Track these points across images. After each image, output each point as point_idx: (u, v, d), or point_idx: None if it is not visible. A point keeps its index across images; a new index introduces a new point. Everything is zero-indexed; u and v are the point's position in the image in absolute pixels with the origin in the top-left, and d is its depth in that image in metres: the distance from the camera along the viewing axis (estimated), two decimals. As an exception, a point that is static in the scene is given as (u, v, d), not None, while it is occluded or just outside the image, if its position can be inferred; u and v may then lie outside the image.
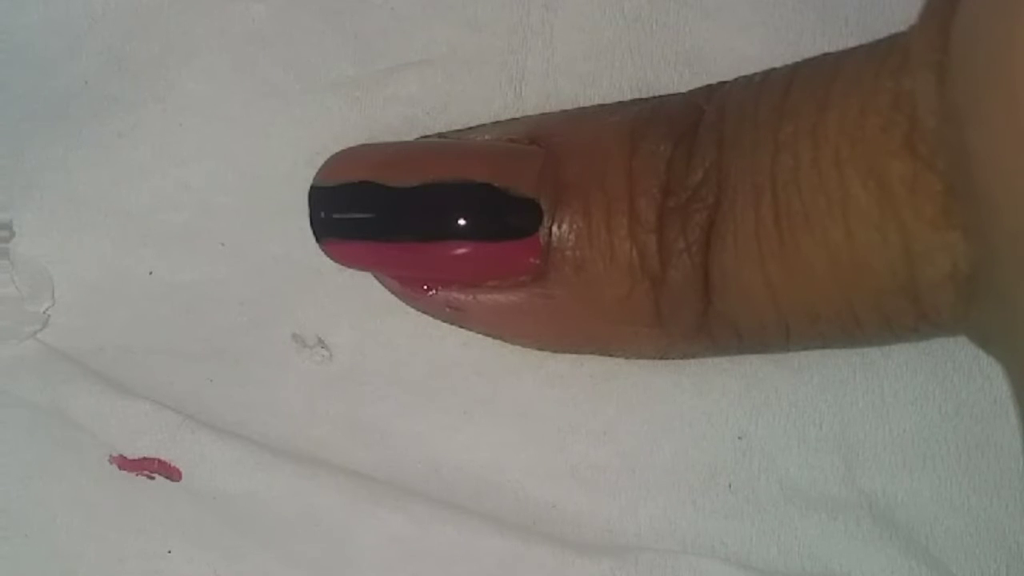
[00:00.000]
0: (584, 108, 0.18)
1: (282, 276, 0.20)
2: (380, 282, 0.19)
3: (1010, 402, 0.13)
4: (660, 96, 0.18)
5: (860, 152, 0.14)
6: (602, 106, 0.18)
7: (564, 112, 0.18)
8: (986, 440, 0.18)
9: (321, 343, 0.20)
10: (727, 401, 0.19)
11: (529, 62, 0.19)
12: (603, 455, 0.19)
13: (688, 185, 0.16)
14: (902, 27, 0.14)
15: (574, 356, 0.19)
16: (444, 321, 0.19)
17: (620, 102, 0.18)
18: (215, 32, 0.20)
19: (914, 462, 0.18)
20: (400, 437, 0.20)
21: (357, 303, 0.20)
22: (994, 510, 0.18)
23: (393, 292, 0.18)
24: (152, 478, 0.20)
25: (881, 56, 0.14)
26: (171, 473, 0.20)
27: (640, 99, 0.18)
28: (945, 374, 0.18)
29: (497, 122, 0.19)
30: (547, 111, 0.19)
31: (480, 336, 0.19)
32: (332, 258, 0.18)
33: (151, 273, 0.21)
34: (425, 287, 0.18)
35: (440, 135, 0.19)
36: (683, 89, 0.17)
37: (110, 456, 0.21)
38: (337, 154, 0.18)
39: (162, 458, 0.20)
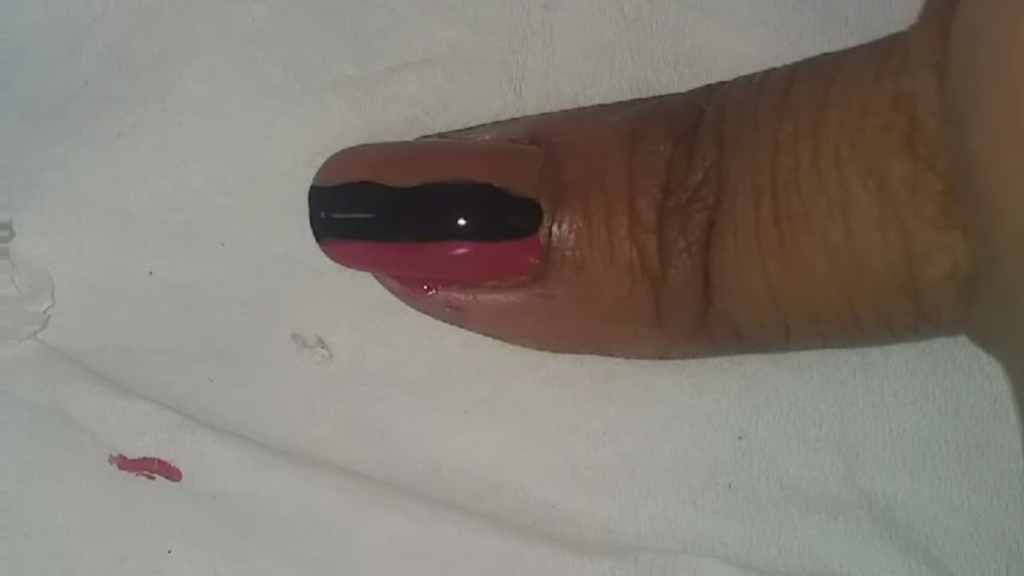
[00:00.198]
0: (584, 108, 0.18)
1: (282, 276, 0.20)
2: (380, 282, 0.19)
3: (1010, 402, 0.13)
4: (660, 96, 0.18)
5: (860, 152, 0.14)
6: (602, 106, 0.18)
7: (564, 112, 0.18)
8: (986, 440, 0.18)
9: (321, 343, 0.20)
10: (727, 401, 0.19)
11: (529, 62, 0.19)
12: (603, 455, 0.19)
13: (688, 185, 0.16)
14: (902, 27, 0.14)
15: (574, 356, 0.19)
16: (444, 321, 0.19)
17: (620, 102, 0.18)
18: (215, 32, 0.20)
19: (914, 462, 0.18)
20: (400, 437, 0.20)
21: (357, 303, 0.20)
22: (994, 510, 0.18)
23: (393, 292, 0.18)
24: (152, 478, 0.20)
25: (881, 56, 0.14)
26: (171, 473, 0.20)
27: (640, 99, 0.18)
28: (945, 374, 0.18)
29: (497, 122, 0.19)
30: (547, 111, 0.19)
31: (480, 336, 0.19)
32: (332, 258, 0.18)
33: (151, 273, 0.21)
34: (425, 287, 0.18)
35: (440, 135, 0.19)
36: (683, 89, 0.17)
37: (110, 456, 0.21)
38: (337, 154, 0.18)
39: (162, 458, 0.20)
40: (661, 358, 0.18)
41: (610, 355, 0.18)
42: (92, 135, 0.20)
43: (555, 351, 0.19)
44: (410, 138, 0.19)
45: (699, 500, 0.19)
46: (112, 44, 0.20)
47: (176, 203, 0.20)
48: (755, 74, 0.16)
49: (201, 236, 0.20)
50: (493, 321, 0.18)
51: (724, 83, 0.17)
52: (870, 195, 0.14)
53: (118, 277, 0.21)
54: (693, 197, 0.16)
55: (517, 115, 0.19)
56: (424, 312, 0.19)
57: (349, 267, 0.18)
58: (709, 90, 0.17)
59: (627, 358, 0.18)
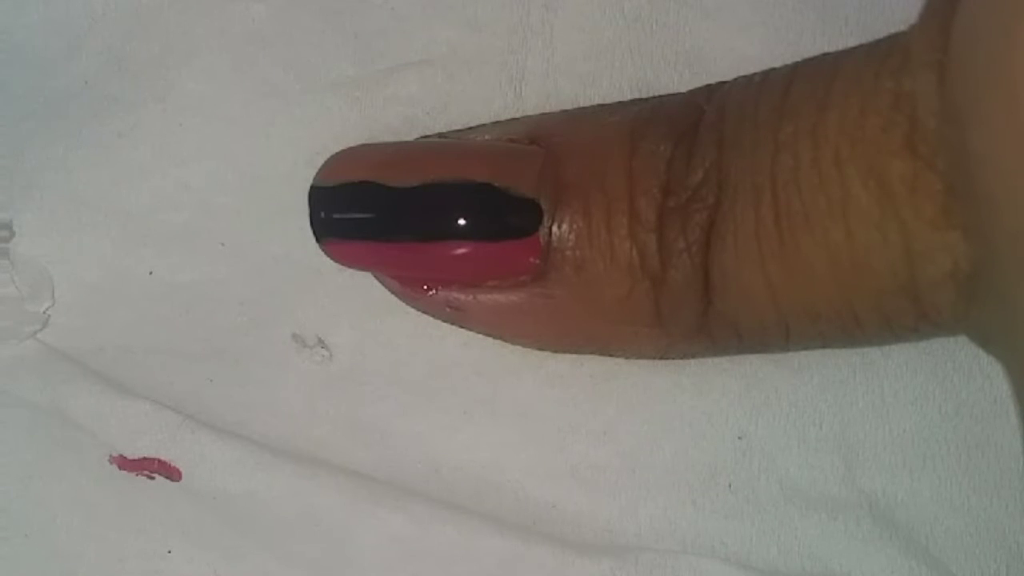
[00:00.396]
0: (584, 108, 0.18)
1: (282, 276, 0.20)
2: (380, 282, 0.19)
3: (1010, 402, 0.13)
4: (660, 96, 0.18)
5: (860, 152, 0.14)
6: (602, 106, 0.18)
7: (564, 112, 0.18)
8: (986, 440, 0.18)
9: (321, 343, 0.20)
10: (727, 401, 0.19)
11: (529, 62, 0.19)
12: (603, 455, 0.19)
13: (688, 185, 0.16)
14: (902, 27, 0.14)
15: (574, 356, 0.19)
16: (444, 321, 0.19)
17: (620, 102, 0.18)
18: (215, 32, 0.20)
19: (914, 462, 0.18)
20: (400, 437, 0.20)
21: (357, 303, 0.20)
22: (994, 510, 0.18)
23: (393, 292, 0.18)
24: (152, 478, 0.20)
25: (881, 56, 0.14)
26: (171, 473, 0.20)
27: (640, 99, 0.18)
28: (945, 374, 0.18)
29: (497, 122, 0.19)
30: (547, 111, 0.19)
31: (480, 336, 0.19)
32: (332, 258, 0.18)
33: (151, 273, 0.21)
34: (425, 287, 0.18)
35: (440, 135, 0.19)
36: (683, 89, 0.17)
37: (110, 456, 0.21)
38: (337, 154, 0.18)
39: (162, 458, 0.20)
40: (661, 358, 0.18)
41: (610, 355, 0.18)
42: (92, 135, 0.20)
43: (555, 351, 0.19)
44: (410, 138, 0.19)
45: (699, 500, 0.19)
46: (112, 44, 0.20)
47: (176, 203, 0.20)
48: (755, 74, 0.16)
49: (201, 236, 0.20)
50: (493, 321, 0.18)
51: (724, 83, 0.17)
52: (870, 195, 0.14)
53: (118, 277, 0.21)
54: (693, 197, 0.16)
55: (517, 115, 0.19)
56: (424, 312, 0.19)
57: (349, 267, 0.18)
58: (709, 90, 0.17)
59: (627, 358, 0.18)
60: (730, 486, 0.19)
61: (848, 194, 0.14)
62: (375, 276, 0.19)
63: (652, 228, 0.16)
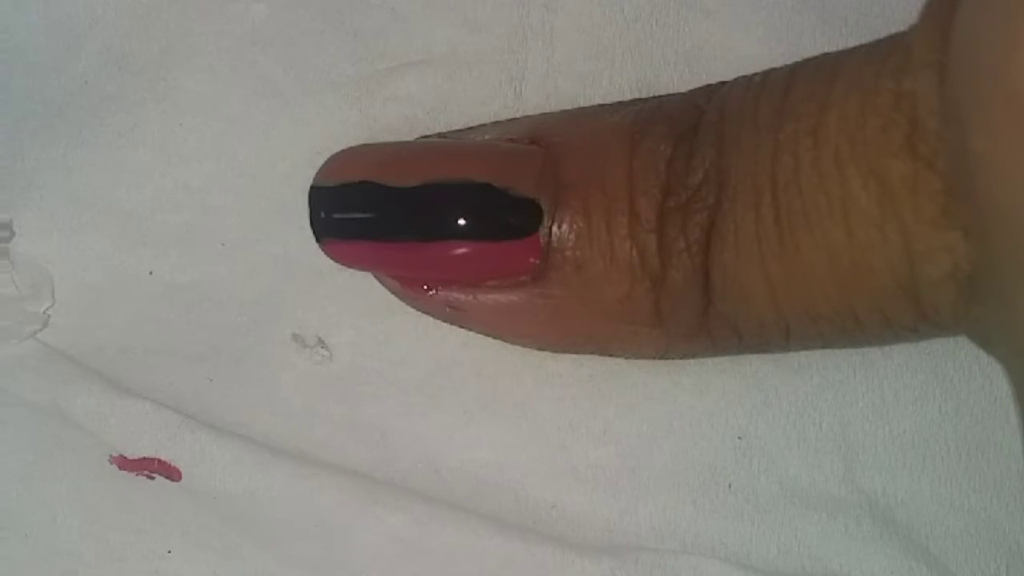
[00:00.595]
0: (584, 108, 0.18)
1: (282, 276, 0.20)
2: (380, 282, 0.19)
3: (1010, 402, 0.13)
4: (660, 96, 0.18)
5: (860, 152, 0.14)
6: (602, 106, 0.18)
7: (564, 112, 0.18)
8: (986, 440, 0.18)
9: (321, 343, 0.20)
10: (727, 401, 0.19)
11: (529, 62, 0.19)
12: (603, 455, 0.19)
13: (688, 185, 0.16)
14: (902, 27, 0.14)
15: (574, 356, 0.19)
16: (444, 321, 0.19)
17: (620, 102, 0.18)
18: (215, 32, 0.20)
19: (914, 462, 0.18)
20: (400, 437, 0.20)
21: (357, 303, 0.20)
22: (994, 510, 0.18)
23: (393, 292, 0.18)
24: (152, 478, 0.20)
25: (881, 56, 0.14)
26: (171, 473, 0.20)
27: (640, 99, 0.18)
28: (945, 374, 0.18)
29: (497, 122, 0.19)
30: (547, 111, 0.19)
31: (480, 336, 0.19)
32: (332, 258, 0.18)
33: (151, 273, 0.21)
34: (425, 287, 0.18)
35: (440, 135, 0.19)
36: (683, 89, 0.17)
37: (110, 456, 0.21)
38: (337, 154, 0.18)
39: (162, 458, 0.20)
40: (661, 358, 0.18)
41: (610, 355, 0.18)
42: (92, 135, 0.20)
43: (555, 351, 0.19)
44: (410, 138, 0.19)
45: (699, 500, 0.19)
46: (112, 44, 0.20)
47: (176, 203, 0.20)
48: (755, 74, 0.16)
49: (201, 236, 0.20)
50: (493, 321, 0.18)
51: (724, 83, 0.17)
52: (871, 195, 0.14)
53: (118, 277, 0.21)
54: (693, 197, 0.16)
55: (517, 115, 0.19)
56: (424, 312, 0.19)
57: (349, 267, 0.18)
58: (709, 90, 0.17)
59: (627, 358, 0.18)
60: (730, 486, 0.19)
61: (848, 194, 0.14)
62: (375, 276, 0.19)
63: (652, 228, 0.16)
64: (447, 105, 0.19)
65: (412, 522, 0.19)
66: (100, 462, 0.21)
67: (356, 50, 0.19)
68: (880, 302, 0.14)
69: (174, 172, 0.20)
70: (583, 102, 0.19)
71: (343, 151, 0.18)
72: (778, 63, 0.16)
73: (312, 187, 0.18)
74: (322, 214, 0.18)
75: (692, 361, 0.18)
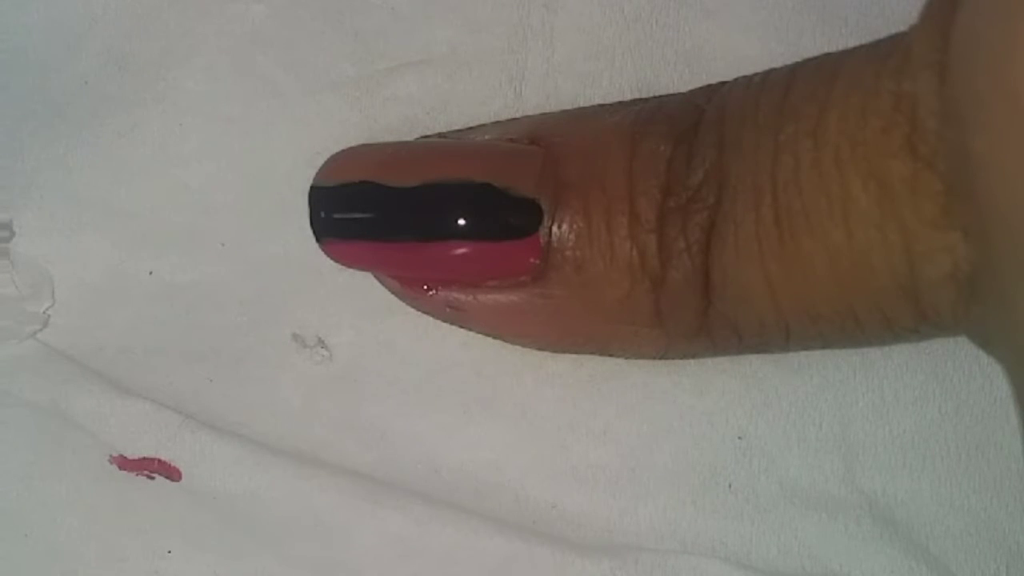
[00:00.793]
0: (584, 108, 0.18)
1: (282, 276, 0.20)
2: (380, 282, 0.19)
3: (1010, 402, 0.13)
4: (660, 96, 0.18)
5: (861, 153, 0.14)
6: (602, 106, 0.18)
7: (564, 112, 0.18)
8: (986, 440, 0.18)
9: (321, 343, 0.20)
10: (727, 401, 0.19)
11: (529, 62, 0.19)
12: (603, 455, 0.19)
13: (688, 185, 0.16)
14: (902, 27, 0.14)
15: (574, 356, 0.19)
16: (444, 321, 0.19)
17: (620, 102, 0.18)
18: (215, 32, 0.20)
19: (914, 462, 0.18)
20: (400, 437, 0.20)
21: (357, 303, 0.20)
22: (994, 510, 0.18)
23: (393, 292, 0.18)
24: (152, 478, 0.20)
25: (882, 57, 0.14)
26: (171, 473, 0.20)
27: (640, 99, 0.18)
28: (945, 374, 0.18)
29: (497, 122, 0.19)
30: (547, 111, 0.19)
31: (480, 336, 0.19)
32: (332, 258, 0.18)
33: (151, 273, 0.21)
34: (425, 287, 0.18)
35: (440, 135, 0.19)
36: (683, 89, 0.17)
37: (110, 456, 0.21)
38: (337, 154, 0.18)
39: (162, 458, 0.20)
40: (661, 358, 0.18)
41: (610, 355, 0.18)
42: (92, 135, 0.20)
43: (555, 351, 0.19)
44: (410, 138, 0.19)
45: (699, 500, 0.19)
46: (112, 44, 0.20)
47: (176, 203, 0.20)
48: (755, 74, 0.16)
49: (201, 236, 0.20)
50: (493, 321, 0.18)
51: (724, 83, 0.17)
52: (871, 196, 0.14)
53: (118, 277, 0.21)
54: (693, 197, 0.16)
55: (517, 115, 0.19)
56: (424, 312, 0.18)
57: (349, 267, 0.18)
58: (709, 90, 0.17)
59: (627, 358, 0.18)
60: (730, 486, 0.19)
61: (848, 195, 0.14)
62: (375, 276, 0.19)
63: (652, 228, 0.16)
64: (447, 105, 0.19)
65: (412, 522, 0.20)
66: (100, 462, 0.21)
67: (356, 50, 0.19)
68: (880, 302, 0.14)
69: (174, 172, 0.20)
70: (583, 102, 0.19)
71: (343, 151, 0.18)
72: (778, 63, 0.16)
73: (312, 187, 0.18)
74: (322, 214, 0.18)
75: (692, 361, 0.18)
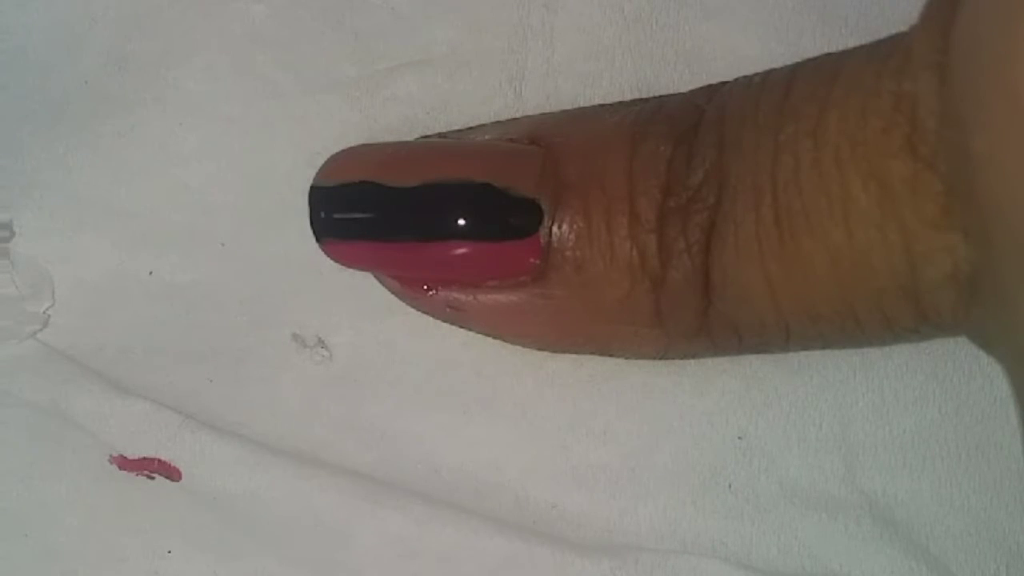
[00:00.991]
0: (584, 108, 0.18)
1: (282, 276, 0.20)
2: (380, 282, 0.19)
3: (1010, 402, 0.13)
4: (660, 96, 0.18)
5: (861, 153, 0.14)
6: (602, 106, 0.18)
7: (564, 112, 0.18)
8: (986, 440, 0.18)
9: (321, 343, 0.20)
10: (727, 401, 0.19)
11: (529, 62, 0.19)
12: (603, 455, 0.19)
13: (688, 185, 0.16)
14: (902, 27, 0.14)
15: (574, 356, 0.19)
16: (444, 321, 0.18)
17: (620, 102, 0.18)
18: (215, 32, 0.20)
19: (914, 462, 0.18)
20: (400, 437, 0.20)
21: (357, 303, 0.20)
22: (994, 510, 0.18)
23: (393, 292, 0.18)
24: (152, 478, 0.20)
25: (882, 57, 0.14)
26: (171, 473, 0.20)
27: (640, 99, 0.18)
28: (945, 374, 0.18)
29: (497, 122, 0.19)
30: (547, 111, 0.19)
31: (480, 336, 0.19)
32: (332, 258, 0.18)
33: (151, 273, 0.21)
34: (425, 287, 0.18)
35: (440, 135, 0.19)
36: (683, 89, 0.17)
37: (110, 456, 0.21)
38: (337, 154, 0.18)
39: (162, 458, 0.20)
40: (661, 358, 0.18)
41: (610, 355, 0.18)
42: (92, 135, 0.20)
43: (555, 351, 0.19)
44: (410, 138, 0.19)
45: (699, 500, 0.19)
46: (112, 44, 0.20)
47: (176, 203, 0.20)
48: (755, 74, 0.16)
49: (201, 236, 0.20)
50: (493, 321, 0.18)
51: (724, 83, 0.17)
52: (871, 196, 0.14)
53: (118, 277, 0.21)
54: (693, 197, 0.16)
55: (517, 115, 0.19)
56: (424, 312, 0.18)
57: (349, 267, 0.18)
58: (709, 90, 0.17)
59: (627, 358, 0.18)
60: (730, 486, 0.19)
61: (849, 195, 0.14)
62: (375, 276, 0.19)
63: (652, 228, 0.16)
64: (447, 105, 0.19)
65: (412, 522, 0.20)
66: (100, 462, 0.21)
67: (356, 50, 0.19)
68: (880, 303, 0.14)
69: (174, 172, 0.20)
70: (583, 102, 0.19)
71: (343, 151, 0.18)
72: (778, 63, 0.16)
73: (312, 187, 0.18)
74: (322, 214, 0.18)
75: (692, 361, 0.18)
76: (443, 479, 0.20)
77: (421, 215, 0.17)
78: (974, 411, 0.18)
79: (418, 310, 0.19)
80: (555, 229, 0.17)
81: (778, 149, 0.15)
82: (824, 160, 0.14)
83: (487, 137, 0.18)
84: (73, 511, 0.21)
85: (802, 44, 0.18)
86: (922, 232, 0.13)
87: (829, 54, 0.15)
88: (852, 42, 0.15)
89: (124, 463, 0.21)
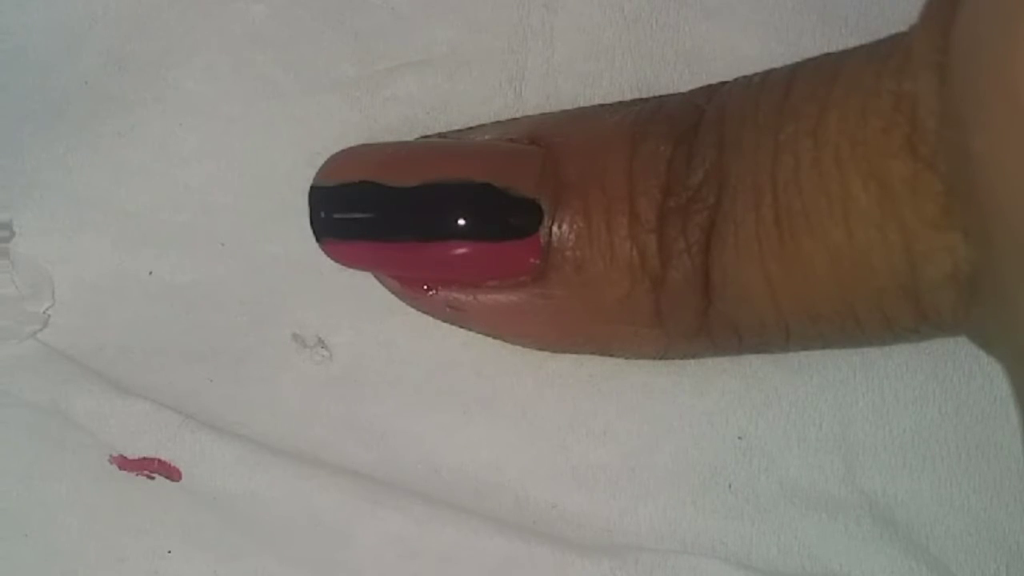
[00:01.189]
0: (584, 108, 0.18)
1: (282, 276, 0.20)
2: (380, 282, 0.19)
3: (1010, 402, 0.13)
4: (660, 96, 0.18)
5: (861, 153, 0.14)
6: (602, 106, 0.18)
7: (564, 112, 0.18)
8: (986, 440, 0.18)
9: (321, 343, 0.20)
10: (727, 401, 0.19)
11: (529, 62, 0.19)
12: (603, 455, 0.19)
13: (688, 185, 0.16)
14: (902, 27, 0.14)
15: (574, 356, 0.19)
16: (444, 321, 0.19)
17: (620, 102, 0.18)
18: (215, 32, 0.20)
19: (914, 462, 0.18)
20: (400, 437, 0.20)
21: (357, 303, 0.20)
22: (994, 510, 0.18)
23: (393, 292, 0.18)
24: (152, 478, 0.20)
25: (882, 57, 0.14)
26: (171, 473, 0.20)
27: (640, 99, 0.18)
28: (945, 374, 0.18)
29: (497, 122, 0.19)
30: (547, 111, 0.19)
31: (480, 336, 0.19)
32: (332, 258, 0.18)
33: (151, 273, 0.21)
34: (425, 287, 0.18)
35: (440, 135, 0.19)
36: (683, 89, 0.17)
37: (110, 456, 0.21)
38: (337, 154, 0.18)
39: (162, 458, 0.20)
40: (661, 358, 0.18)
41: (610, 355, 0.18)
42: (92, 135, 0.20)
43: (555, 351, 0.19)
44: (410, 138, 0.19)
45: (699, 500, 0.19)
46: (112, 44, 0.20)
47: (176, 203, 0.20)
48: (755, 74, 0.16)
49: (201, 236, 0.20)
50: (493, 321, 0.18)
51: (724, 83, 0.17)
52: (871, 196, 0.14)
53: (118, 277, 0.21)
54: (693, 197, 0.16)
55: (517, 115, 0.19)
56: (424, 312, 0.18)
57: (349, 267, 0.18)
58: (709, 90, 0.17)
59: (627, 358, 0.18)
60: (730, 486, 0.19)
61: (849, 195, 0.14)
62: (375, 276, 0.19)
63: (652, 228, 0.16)
64: (447, 105, 0.19)
65: (412, 522, 0.20)
66: (100, 462, 0.21)
67: (356, 50, 0.19)
68: (880, 303, 0.14)
69: (174, 172, 0.20)
70: (583, 102, 0.19)
71: (343, 151, 0.18)
72: (778, 63, 0.16)
73: (312, 187, 0.18)
74: (322, 214, 0.18)
75: (692, 361, 0.18)
76: (443, 479, 0.20)
77: (421, 215, 0.17)
78: (974, 411, 0.18)
79: (418, 310, 0.19)
80: (555, 229, 0.17)
81: (778, 149, 0.15)
82: (824, 160, 0.14)
83: (487, 137, 0.18)
84: (73, 511, 0.21)
85: (802, 44, 0.18)
86: (922, 232, 0.13)
87: (829, 54, 0.15)
88: (852, 42, 0.15)
89: (124, 463, 0.21)
